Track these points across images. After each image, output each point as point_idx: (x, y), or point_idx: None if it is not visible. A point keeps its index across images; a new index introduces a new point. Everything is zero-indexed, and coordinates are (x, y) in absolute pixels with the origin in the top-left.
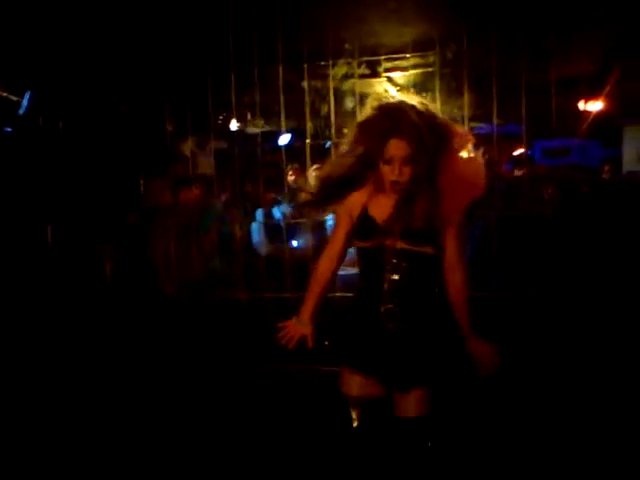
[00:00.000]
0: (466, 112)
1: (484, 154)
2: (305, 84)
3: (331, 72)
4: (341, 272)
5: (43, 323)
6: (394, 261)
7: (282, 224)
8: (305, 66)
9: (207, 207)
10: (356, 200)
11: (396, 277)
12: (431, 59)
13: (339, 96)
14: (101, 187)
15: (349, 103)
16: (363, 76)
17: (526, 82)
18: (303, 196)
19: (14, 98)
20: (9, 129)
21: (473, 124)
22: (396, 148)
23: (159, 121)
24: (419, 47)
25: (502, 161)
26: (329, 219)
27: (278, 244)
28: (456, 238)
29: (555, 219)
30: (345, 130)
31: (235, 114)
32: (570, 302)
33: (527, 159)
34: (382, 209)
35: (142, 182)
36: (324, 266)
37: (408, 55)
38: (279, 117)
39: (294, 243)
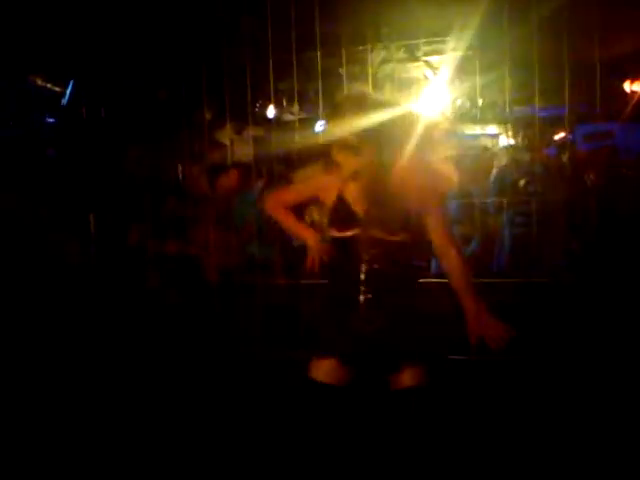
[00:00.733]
0: (507, 95)
1: (524, 138)
2: (343, 70)
3: (369, 57)
4: None
5: (90, 309)
6: (371, 251)
7: None
8: (343, 51)
9: (244, 194)
10: (331, 184)
11: (375, 266)
12: (470, 42)
13: (377, 81)
14: (141, 174)
15: (387, 88)
16: (401, 60)
17: (569, 63)
18: None
19: (57, 89)
20: (53, 119)
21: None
22: (351, 124)
23: (197, 108)
24: (458, 29)
25: (543, 145)
26: None
27: None
28: (439, 224)
29: (597, 205)
30: None
31: (273, 101)
32: (613, 289)
33: (570, 143)
34: (356, 196)
35: (181, 169)
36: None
37: (447, 38)
38: (316, 103)
39: None
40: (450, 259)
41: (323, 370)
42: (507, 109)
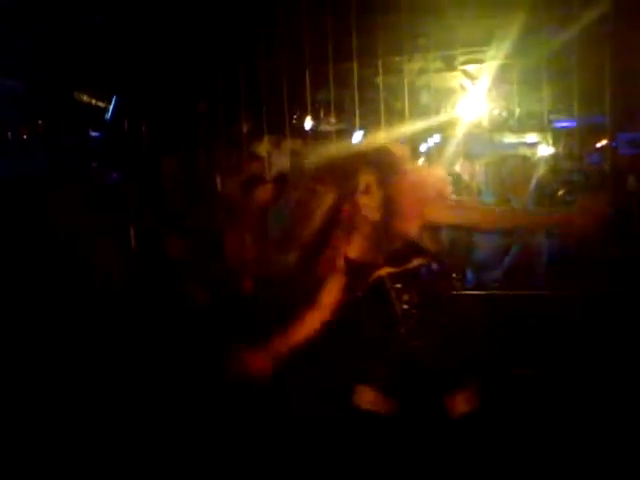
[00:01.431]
0: (546, 104)
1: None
2: (379, 80)
3: (406, 67)
4: None
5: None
6: (396, 286)
7: None
8: (380, 62)
9: (280, 206)
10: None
11: (405, 298)
12: (509, 50)
13: (413, 92)
14: (180, 187)
15: (424, 99)
16: (438, 70)
17: (611, 71)
18: None
19: (102, 104)
20: (98, 134)
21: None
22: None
23: (235, 121)
24: (496, 39)
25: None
26: None
27: None
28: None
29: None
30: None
31: (310, 112)
32: None
33: (613, 151)
34: (355, 247)
35: (219, 181)
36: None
37: (485, 47)
38: (352, 114)
39: None
40: None
41: (367, 398)
42: (546, 118)
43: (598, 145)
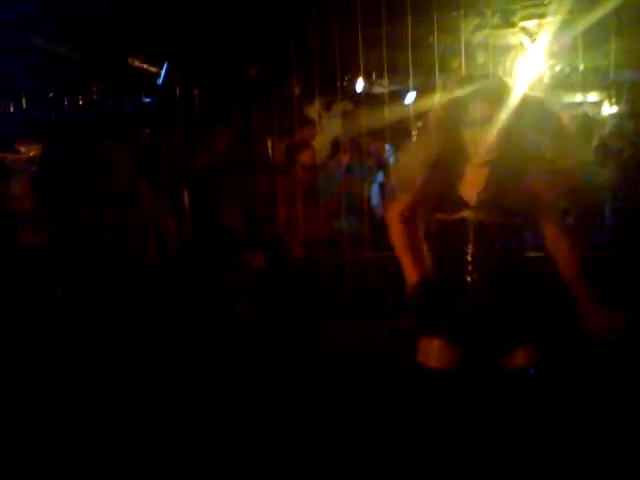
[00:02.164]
0: (612, 59)
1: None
2: (434, 39)
3: (462, 24)
4: None
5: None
6: (478, 233)
7: None
8: (434, 16)
9: (330, 168)
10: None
11: (483, 248)
12: (571, 4)
13: (470, 50)
14: (232, 152)
15: (481, 57)
16: (496, 27)
17: None
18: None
19: (153, 69)
20: (149, 99)
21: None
22: (480, 109)
23: (286, 84)
24: None
25: None
26: None
27: None
28: (551, 215)
29: None
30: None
31: (362, 74)
32: None
33: None
34: (465, 179)
35: (270, 145)
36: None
37: (546, 1)
38: (406, 76)
39: None
40: (562, 251)
41: (432, 354)
42: (611, 74)
43: None
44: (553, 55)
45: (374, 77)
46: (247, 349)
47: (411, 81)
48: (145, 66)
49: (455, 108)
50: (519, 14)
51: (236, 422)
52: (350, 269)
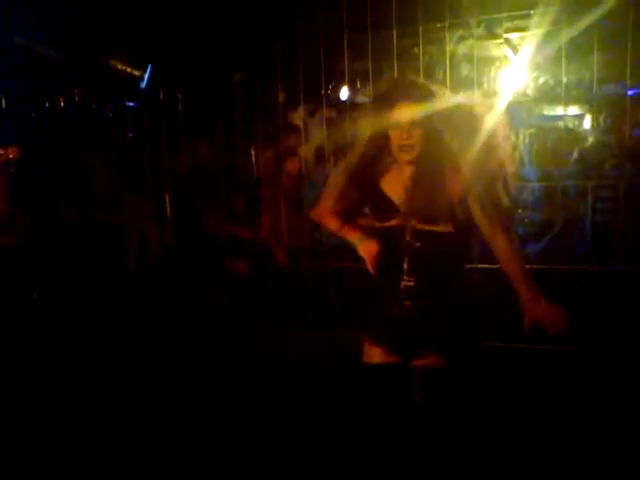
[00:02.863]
0: (594, 73)
1: (610, 118)
2: (419, 49)
3: (447, 35)
4: None
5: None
6: (413, 242)
7: None
8: (420, 29)
9: (315, 176)
10: (367, 172)
11: (415, 257)
12: (555, 16)
13: (454, 61)
14: (215, 158)
15: (465, 68)
16: (480, 38)
17: None
18: None
19: (137, 73)
20: (132, 103)
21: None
22: (402, 110)
23: (271, 90)
24: (542, 3)
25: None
26: None
27: None
28: (485, 211)
29: None
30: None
31: (346, 82)
32: None
33: None
34: (396, 187)
35: (254, 152)
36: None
37: (531, 12)
38: None
39: None
40: (499, 246)
41: (376, 355)
42: (594, 88)
43: None
44: (536, 67)
45: (358, 85)
46: (229, 357)
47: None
48: (129, 69)
49: (380, 108)
50: (504, 26)
51: (218, 430)
52: (333, 278)
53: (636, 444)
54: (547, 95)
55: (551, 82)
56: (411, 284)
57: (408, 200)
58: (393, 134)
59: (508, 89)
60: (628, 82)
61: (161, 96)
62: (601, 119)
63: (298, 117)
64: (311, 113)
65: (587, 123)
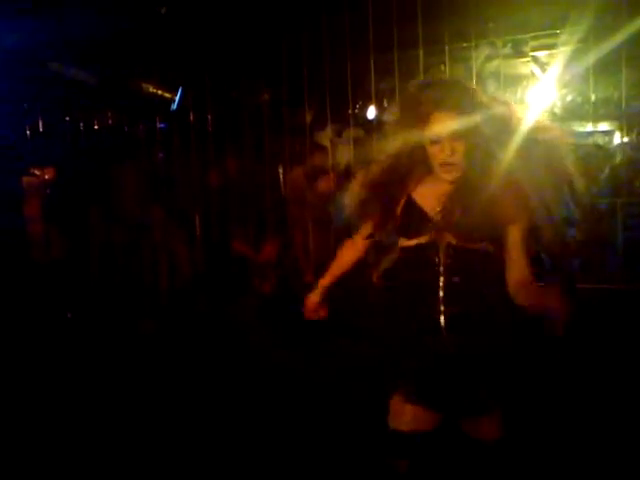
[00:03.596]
0: (624, 90)
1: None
2: (446, 68)
3: (473, 54)
4: None
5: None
6: (449, 261)
7: None
8: (446, 48)
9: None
10: (397, 188)
11: (455, 280)
12: (583, 34)
13: (481, 79)
14: (244, 179)
15: (492, 87)
16: (507, 57)
17: None
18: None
19: (168, 95)
20: (163, 125)
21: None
22: (442, 122)
23: (298, 111)
24: (570, 21)
25: None
26: None
27: None
28: (521, 235)
29: None
30: None
31: (373, 101)
32: None
33: None
34: (431, 199)
35: (282, 172)
36: (349, 254)
37: (557, 31)
38: None
39: None
40: (515, 274)
41: (407, 417)
42: (623, 105)
43: None
44: (565, 85)
45: (386, 104)
46: (259, 374)
47: None
48: (160, 92)
49: (412, 119)
50: (530, 44)
51: (242, 446)
52: (361, 295)
53: None
54: (575, 113)
55: (579, 99)
56: (452, 316)
57: (443, 211)
58: (432, 149)
59: (536, 107)
60: None
61: (191, 117)
62: (630, 136)
63: (325, 137)
64: (338, 133)
65: (616, 140)
